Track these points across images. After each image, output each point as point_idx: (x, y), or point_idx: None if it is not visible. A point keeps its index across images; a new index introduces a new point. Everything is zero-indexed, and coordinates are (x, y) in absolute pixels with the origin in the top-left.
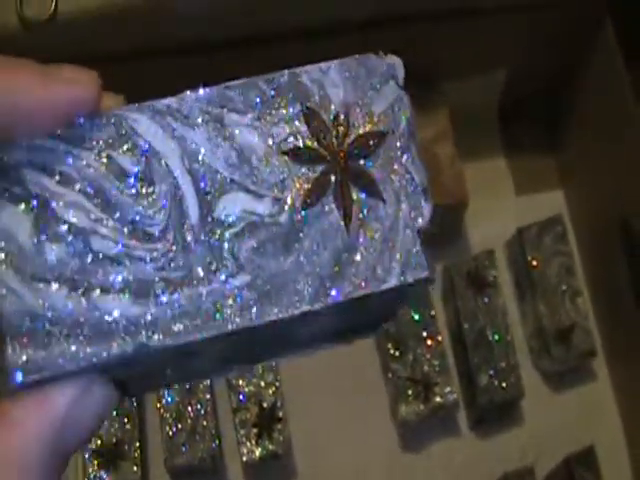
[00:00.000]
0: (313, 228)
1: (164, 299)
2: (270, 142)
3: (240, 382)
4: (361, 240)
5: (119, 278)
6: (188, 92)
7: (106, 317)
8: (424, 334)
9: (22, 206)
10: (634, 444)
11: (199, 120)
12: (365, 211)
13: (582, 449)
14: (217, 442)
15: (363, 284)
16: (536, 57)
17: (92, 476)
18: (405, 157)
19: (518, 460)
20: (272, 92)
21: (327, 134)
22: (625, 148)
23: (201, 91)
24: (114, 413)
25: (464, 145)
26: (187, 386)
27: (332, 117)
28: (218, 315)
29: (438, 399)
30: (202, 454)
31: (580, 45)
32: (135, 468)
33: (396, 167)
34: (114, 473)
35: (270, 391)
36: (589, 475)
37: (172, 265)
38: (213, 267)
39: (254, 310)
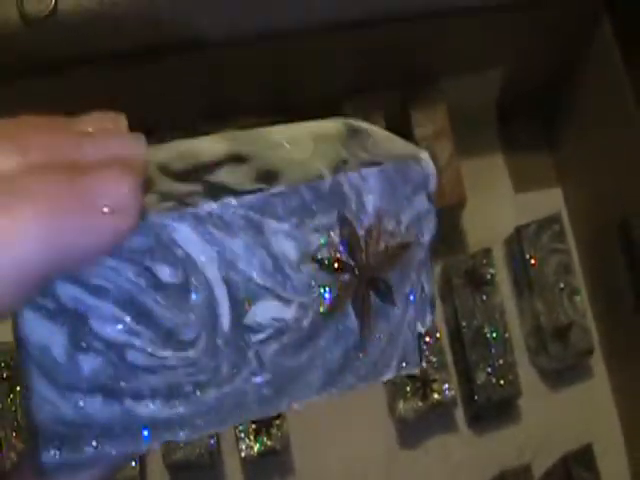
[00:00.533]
0: (330, 330)
1: (192, 399)
2: (305, 249)
3: None
4: (370, 339)
5: (151, 385)
6: (231, 198)
7: (137, 420)
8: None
9: (57, 321)
10: (632, 442)
11: (239, 227)
12: (377, 313)
13: (580, 447)
14: (215, 438)
15: (364, 376)
16: (534, 55)
17: None
18: (421, 269)
19: (515, 458)
20: (312, 198)
21: (357, 248)
22: (624, 146)
23: (245, 198)
24: None
25: (462, 143)
26: None
27: (364, 230)
28: (240, 410)
29: (436, 396)
30: (200, 450)
31: (578, 43)
32: (133, 464)
33: (412, 276)
34: None
35: None
36: (587, 473)
37: (202, 369)
38: (238, 367)
39: (270, 404)
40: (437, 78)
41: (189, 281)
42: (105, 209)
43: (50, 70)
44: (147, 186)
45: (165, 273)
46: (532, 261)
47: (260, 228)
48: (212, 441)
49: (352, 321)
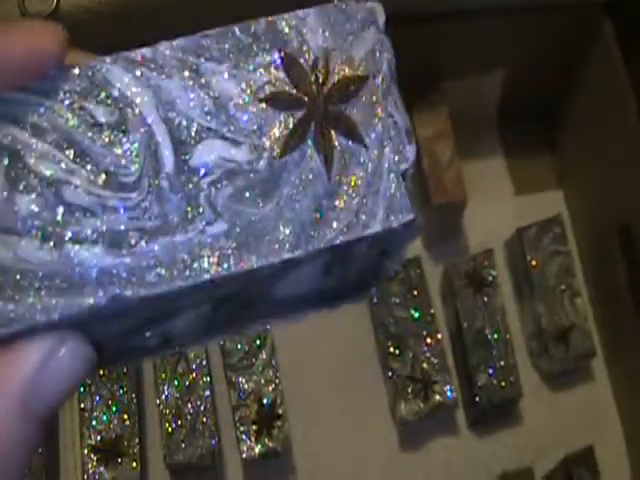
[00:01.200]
0: (293, 174)
1: (139, 249)
2: (247, 89)
3: (240, 379)
4: (343, 186)
5: (92, 229)
6: (162, 42)
7: (79, 268)
8: (424, 333)
9: None
10: (633, 444)
11: (174, 69)
12: (347, 157)
13: (581, 449)
14: (216, 439)
15: (345, 229)
16: (535, 58)
17: (91, 472)
18: (387, 100)
19: (517, 460)
20: (249, 40)
21: (306, 80)
22: (624, 149)
23: (176, 41)
24: (113, 409)
25: (463, 145)
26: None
27: (311, 63)
28: (195, 264)
29: (437, 398)
30: (201, 451)
31: (579, 46)
32: (134, 464)
33: (378, 111)
34: (113, 469)
35: (270, 388)
36: (588, 475)
37: (147, 214)
38: (189, 215)
39: (232, 259)
40: (439, 80)
41: (126, 119)
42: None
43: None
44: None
45: (100, 112)
46: (533, 263)
47: (197, 70)
48: (213, 442)
49: (317, 163)
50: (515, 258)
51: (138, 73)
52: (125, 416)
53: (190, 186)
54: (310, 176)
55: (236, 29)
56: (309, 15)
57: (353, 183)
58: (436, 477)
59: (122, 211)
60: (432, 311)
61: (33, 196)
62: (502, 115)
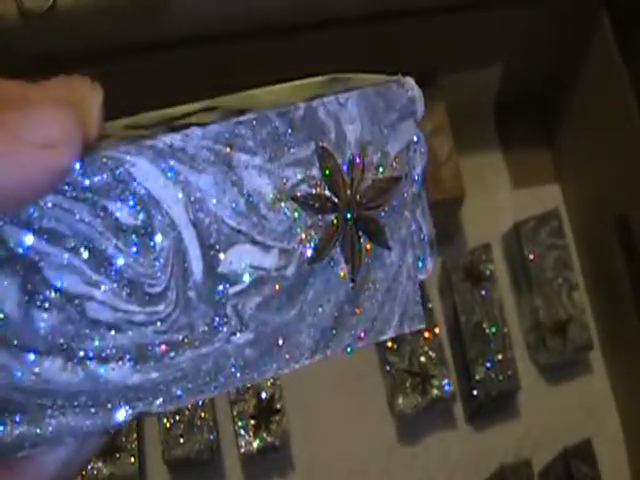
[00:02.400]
0: (319, 279)
1: (165, 362)
2: (280, 187)
3: None
4: (365, 291)
5: (118, 345)
6: (194, 128)
7: (104, 387)
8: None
9: (6, 271)
10: (631, 436)
11: (205, 163)
12: (371, 260)
13: (579, 442)
14: (215, 434)
15: (362, 335)
16: (533, 52)
17: (89, 468)
18: (416, 206)
19: (515, 453)
20: (286, 129)
21: (340, 181)
22: (622, 142)
23: (209, 127)
24: None
25: (461, 139)
26: None
27: (347, 160)
28: (220, 376)
29: (435, 391)
30: (200, 446)
31: (576, 40)
32: (132, 460)
33: (405, 214)
34: (111, 465)
35: (268, 383)
36: (586, 468)
37: (174, 326)
38: (216, 325)
39: (255, 368)
40: (436, 74)
41: (152, 223)
42: (33, 141)
43: (49, 66)
44: (106, 138)
45: (124, 213)
46: (531, 257)
47: (229, 162)
48: (212, 437)
49: (343, 269)
50: (513, 252)
51: (166, 167)
52: None
53: (218, 295)
54: (335, 281)
55: (273, 115)
56: (349, 101)
57: (374, 287)
58: (434, 470)
59: (148, 325)
60: (430, 305)
61: (54, 312)
62: (500, 110)
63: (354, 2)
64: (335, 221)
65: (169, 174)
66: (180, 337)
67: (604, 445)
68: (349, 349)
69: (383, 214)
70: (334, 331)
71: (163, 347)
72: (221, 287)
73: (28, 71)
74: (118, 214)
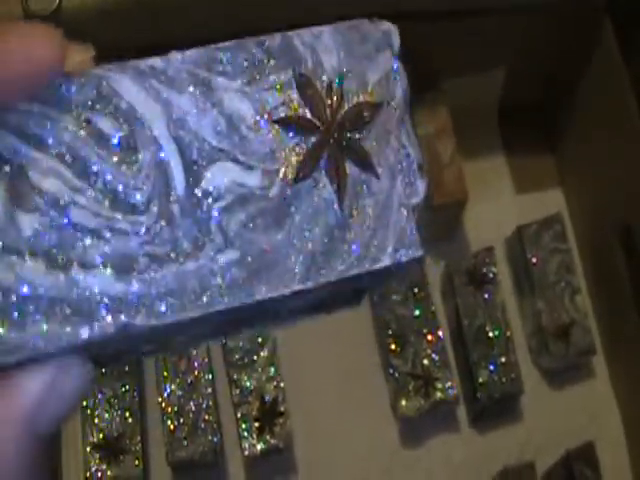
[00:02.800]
0: (305, 202)
1: (148, 276)
2: (260, 110)
3: (242, 376)
4: (354, 217)
5: (100, 252)
6: (174, 52)
7: (86, 294)
8: (424, 330)
9: None
10: (634, 440)
11: (185, 83)
12: (358, 186)
13: (582, 445)
14: (218, 436)
15: (356, 262)
16: (536, 56)
17: (93, 470)
18: (400, 130)
19: (517, 456)
20: (263, 55)
21: (320, 104)
22: (625, 147)
23: (188, 52)
24: (115, 407)
25: (464, 143)
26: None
27: (325, 86)
28: (205, 294)
29: (438, 394)
30: (203, 448)
31: (579, 44)
32: (136, 462)
33: (391, 141)
34: (115, 467)
35: (272, 385)
36: (588, 471)
37: (157, 239)
38: (200, 242)
39: (243, 289)
40: (439, 78)
41: (134, 136)
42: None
43: None
44: None
45: (107, 125)
46: (533, 260)
47: (208, 84)
48: (215, 439)
49: (329, 193)
50: (515, 255)
51: (148, 85)
52: (127, 414)
53: (201, 211)
54: (322, 205)
55: (251, 43)
56: (324, 33)
57: (364, 214)
58: (437, 473)
59: (130, 234)
60: (433, 308)
61: (37, 215)
62: (503, 113)
63: (354, 7)
64: (317, 142)
65: (150, 92)
66: (163, 251)
67: (607, 448)
68: (342, 275)
69: (367, 141)
70: (325, 256)
71: (146, 259)
72: (204, 202)
73: None
74: (101, 126)
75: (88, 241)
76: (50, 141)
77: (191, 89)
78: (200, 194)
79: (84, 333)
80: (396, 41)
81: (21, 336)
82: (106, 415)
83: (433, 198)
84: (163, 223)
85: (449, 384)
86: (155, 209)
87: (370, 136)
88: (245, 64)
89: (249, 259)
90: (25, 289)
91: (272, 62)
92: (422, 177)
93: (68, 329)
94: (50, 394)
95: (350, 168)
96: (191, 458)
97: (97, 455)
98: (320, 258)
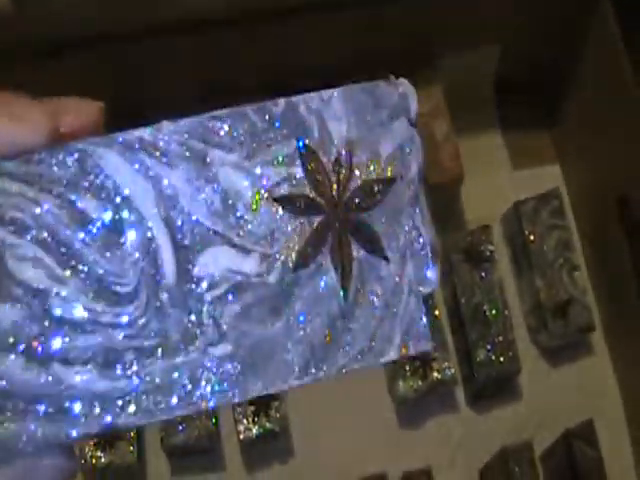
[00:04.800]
0: (306, 290)
1: (135, 371)
2: (260, 187)
3: None
4: (360, 305)
5: (83, 347)
6: (165, 122)
7: (68, 392)
8: None
9: None
10: (633, 418)
11: (178, 157)
12: (366, 270)
13: (581, 423)
14: (214, 421)
15: (359, 356)
16: (532, 32)
17: (89, 456)
18: (414, 210)
19: (516, 435)
20: (264, 125)
21: (326, 180)
22: (622, 122)
23: (181, 122)
24: None
25: (460, 121)
26: None
27: (333, 159)
28: (196, 392)
29: (436, 375)
30: (199, 433)
31: (577, 20)
32: (131, 448)
33: (402, 221)
34: (110, 453)
35: None
36: (588, 449)
37: (144, 332)
38: (191, 333)
39: (236, 387)
40: (434, 55)
41: (121, 218)
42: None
43: (44, 51)
44: None
45: (91, 207)
46: (531, 237)
47: (203, 158)
48: (211, 424)
49: (333, 279)
50: (513, 233)
51: (136, 161)
52: None
53: (192, 300)
54: (325, 292)
55: (250, 111)
56: (333, 98)
57: (371, 302)
58: (436, 454)
59: (116, 328)
60: (436, 312)
61: (17, 307)
62: (499, 90)
63: None
64: (321, 224)
65: (139, 168)
66: (151, 344)
67: (606, 426)
68: (344, 370)
69: (377, 220)
70: (326, 349)
71: (132, 353)
72: (196, 291)
73: (23, 57)
74: (85, 207)
75: (70, 335)
76: (29, 224)
77: (184, 164)
78: (192, 282)
79: (65, 433)
80: (413, 106)
81: None
82: None
83: (429, 178)
84: (151, 314)
85: (446, 364)
86: (142, 299)
87: (380, 215)
88: (244, 135)
89: (243, 352)
90: (3, 385)
91: (274, 132)
92: (435, 264)
93: (48, 428)
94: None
95: (357, 251)
96: (186, 443)
97: (92, 441)
98: (320, 351)
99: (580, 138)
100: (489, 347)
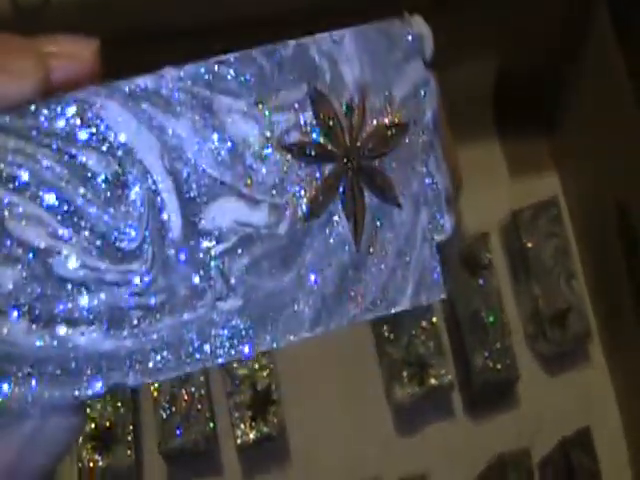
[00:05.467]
0: (317, 240)
1: (141, 329)
2: (269, 134)
3: (234, 365)
4: (372, 254)
5: (88, 307)
6: (168, 68)
7: (74, 353)
8: (419, 316)
9: None
10: (630, 426)
11: (182, 106)
12: (378, 218)
13: (578, 431)
14: (211, 425)
15: (371, 307)
16: (532, 41)
17: (86, 460)
18: (428, 156)
19: (513, 442)
20: (273, 69)
21: (338, 127)
22: (620, 131)
23: (185, 67)
24: (107, 397)
25: (459, 128)
26: None
27: (345, 104)
28: (205, 347)
29: (433, 381)
30: (196, 437)
31: (575, 29)
32: (129, 452)
33: (417, 167)
34: (108, 457)
35: (264, 374)
36: (585, 457)
37: (150, 289)
38: (199, 288)
39: (246, 341)
40: (433, 63)
41: (124, 171)
42: None
43: None
44: None
45: (93, 160)
46: (529, 245)
47: (209, 106)
48: (208, 428)
49: (345, 228)
50: (511, 240)
51: (139, 110)
52: (119, 403)
53: (200, 254)
54: (336, 242)
55: (258, 54)
56: (345, 38)
57: (383, 251)
58: (432, 460)
59: (122, 286)
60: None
61: (17, 268)
62: (497, 100)
63: None
64: (333, 172)
65: (142, 118)
66: (158, 301)
67: (603, 434)
68: (355, 320)
69: (390, 166)
70: (337, 299)
71: (139, 311)
72: (203, 245)
73: None
74: (86, 161)
75: (74, 295)
76: (28, 182)
77: (189, 112)
78: (199, 236)
79: (72, 395)
80: (429, 47)
81: (2, 398)
82: (98, 405)
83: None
84: (157, 270)
85: (444, 371)
86: (148, 254)
87: (393, 161)
88: (252, 80)
89: (252, 306)
90: (7, 349)
91: (283, 76)
92: (450, 211)
93: (55, 391)
94: (31, 448)
95: (369, 198)
96: (184, 447)
97: (89, 445)
98: (331, 302)
99: (578, 147)
100: (487, 354)
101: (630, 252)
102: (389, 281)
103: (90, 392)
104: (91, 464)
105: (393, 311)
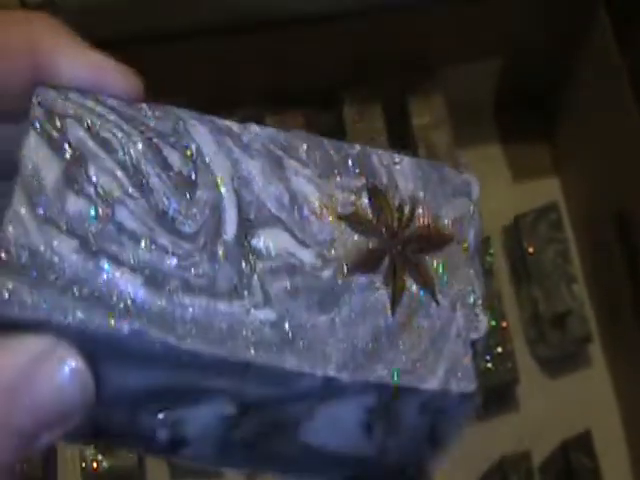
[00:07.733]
0: (356, 298)
1: (177, 297)
2: (327, 201)
3: None
4: (406, 331)
5: (135, 257)
6: (253, 124)
7: (110, 287)
8: None
9: (57, 151)
10: (631, 428)
11: (258, 153)
12: (415, 304)
13: (579, 434)
14: None
15: (400, 373)
16: (533, 45)
17: (89, 460)
18: (469, 268)
19: (514, 445)
20: (339, 158)
21: (389, 215)
22: (621, 135)
23: (267, 129)
24: None
25: (460, 133)
26: None
27: (397, 203)
28: (232, 339)
29: None
30: None
31: (576, 33)
32: (132, 453)
33: (457, 275)
34: (111, 457)
35: None
36: (586, 460)
37: (194, 269)
38: (238, 290)
39: (273, 350)
40: (435, 68)
41: (197, 176)
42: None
43: None
44: None
45: (174, 158)
46: (530, 250)
47: (280, 162)
48: None
49: (383, 297)
50: (512, 245)
51: (222, 141)
52: None
53: (246, 264)
54: (373, 307)
55: (328, 144)
56: (404, 161)
57: (417, 333)
58: None
59: (170, 254)
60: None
61: (85, 201)
62: (499, 102)
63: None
64: (380, 246)
65: (222, 147)
66: (198, 282)
67: (604, 437)
68: (395, 376)
69: (432, 266)
70: (367, 356)
71: (179, 282)
72: (251, 257)
73: None
74: (168, 156)
75: (126, 241)
76: (116, 148)
77: (262, 159)
78: (249, 248)
79: (95, 322)
80: (475, 192)
81: (33, 297)
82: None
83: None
84: (204, 257)
85: None
86: (200, 242)
87: (435, 263)
88: (320, 158)
89: (286, 326)
90: (50, 257)
91: (347, 166)
92: (485, 314)
93: (82, 310)
94: (35, 369)
95: (409, 284)
96: None
97: (93, 446)
98: (361, 356)
99: (580, 152)
100: (487, 357)
101: (630, 257)
102: (421, 359)
103: (114, 326)
104: (94, 465)
105: (422, 387)
